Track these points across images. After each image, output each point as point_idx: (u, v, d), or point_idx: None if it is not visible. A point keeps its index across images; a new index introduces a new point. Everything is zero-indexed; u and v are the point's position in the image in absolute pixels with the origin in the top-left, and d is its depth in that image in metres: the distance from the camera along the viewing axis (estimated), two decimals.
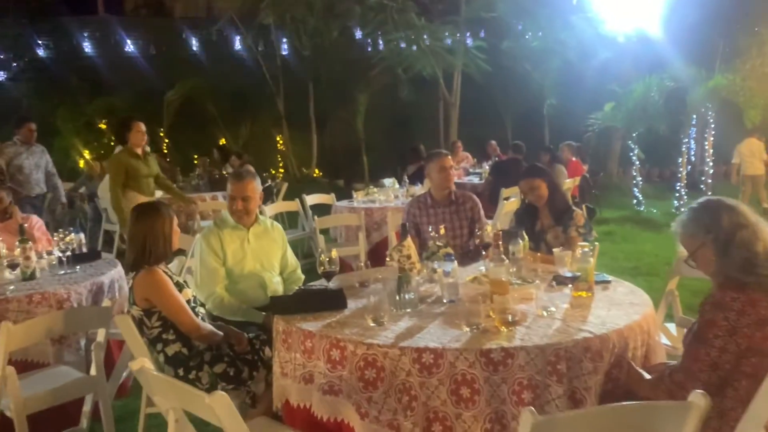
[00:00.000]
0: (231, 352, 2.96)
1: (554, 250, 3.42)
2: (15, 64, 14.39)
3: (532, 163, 5.25)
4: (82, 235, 4.59)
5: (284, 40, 15.42)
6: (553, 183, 4.05)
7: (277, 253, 3.71)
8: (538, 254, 3.59)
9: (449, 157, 4.24)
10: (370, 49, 14.39)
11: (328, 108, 15.04)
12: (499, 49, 13.08)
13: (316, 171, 15.54)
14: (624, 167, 13.61)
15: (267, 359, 2.97)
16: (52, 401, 2.98)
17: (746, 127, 10.98)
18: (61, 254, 4.08)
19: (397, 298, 2.75)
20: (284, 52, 15.44)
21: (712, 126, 11.62)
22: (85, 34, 14.85)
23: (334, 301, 2.84)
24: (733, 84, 10.80)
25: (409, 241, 3.10)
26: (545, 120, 14.75)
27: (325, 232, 6.84)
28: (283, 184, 10.20)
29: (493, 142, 11.44)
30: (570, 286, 2.93)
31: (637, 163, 11.58)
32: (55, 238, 4.35)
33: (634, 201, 11.45)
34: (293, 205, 7.53)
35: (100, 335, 3.17)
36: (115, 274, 4.01)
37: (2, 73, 14.74)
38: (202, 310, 3.06)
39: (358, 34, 14.25)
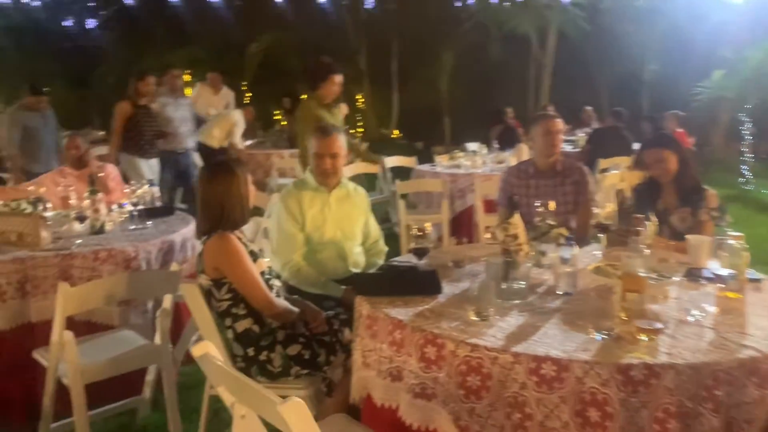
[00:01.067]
0: (307, 332, 2.61)
1: (687, 237, 2.87)
2: (104, 12, 14.50)
3: (660, 132, 4.60)
4: (155, 188, 4.36)
5: None
6: (685, 156, 3.46)
7: (359, 220, 3.33)
8: (672, 242, 3.05)
9: (558, 120, 3.67)
10: (459, 4, 13.62)
11: (410, 66, 14.45)
12: (598, 8, 12.09)
13: (395, 131, 15.07)
14: (730, 142, 12.48)
15: (346, 343, 2.61)
16: (112, 371, 2.73)
17: None
18: (132, 208, 3.85)
19: (504, 286, 2.31)
20: (368, 6, 14.89)
21: None
22: None
23: (426, 284, 2.43)
24: None
25: (517, 218, 2.64)
26: (644, 87, 13.66)
27: (404, 197, 6.44)
28: (363, 144, 9.82)
29: (589, 108, 10.63)
30: (713, 284, 2.41)
31: (750, 137, 10.51)
32: (126, 190, 4.13)
33: (742, 179, 10.44)
34: (373, 167, 7.13)
35: (167, 301, 2.90)
36: (187, 232, 3.74)
37: (92, 20, 14.90)
38: (277, 282, 2.72)
39: None
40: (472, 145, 8.16)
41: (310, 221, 3.15)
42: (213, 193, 2.57)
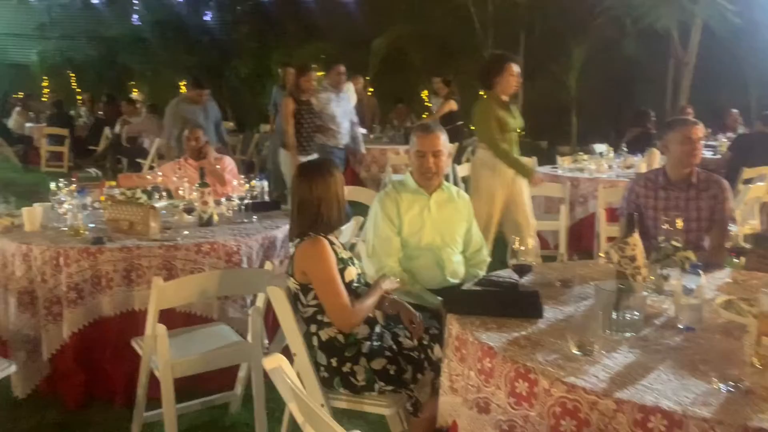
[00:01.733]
0: (394, 346, 2.46)
1: None
2: (239, 8, 15.14)
3: None
4: (265, 182, 4.40)
5: None
6: None
7: (461, 226, 3.13)
8: None
9: (699, 126, 3.25)
10: None
11: (538, 61, 13.88)
12: (751, 1, 10.94)
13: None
14: None
15: (436, 360, 2.44)
16: (201, 367, 2.74)
17: None
18: (239, 201, 3.89)
19: (614, 316, 2.04)
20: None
21: None
22: None
23: (525, 305, 2.20)
24: None
25: (636, 238, 2.33)
26: None
27: None
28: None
29: (735, 111, 9.67)
30: None
31: None
32: (235, 183, 4.19)
33: None
34: None
35: (259, 300, 2.87)
36: None
37: (229, 15, 15.61)
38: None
39: None
40: (599, 147, 7.66)
41: (408, 225, 3.00)
42: (310, 193, 2.48)
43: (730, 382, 1.66)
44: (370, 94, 13.01)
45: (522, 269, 2.44)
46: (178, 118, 6.24)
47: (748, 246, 2.73)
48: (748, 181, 6.18)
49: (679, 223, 2.77)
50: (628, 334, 2.00)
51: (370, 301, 2.44)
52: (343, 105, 6.51)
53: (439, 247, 3.03)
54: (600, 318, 2.02)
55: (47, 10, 16.42)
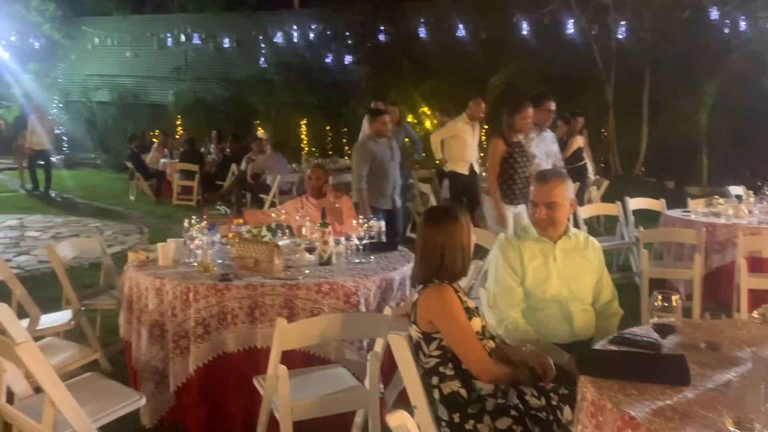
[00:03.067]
0: (521, 405, 2.32)
1: None
2: (358, 50, 15.63)
3: None
4: (382, 223, 4.40)
5: (622, 22, 13.98)
6: None
7: (590, 276, 2.95)
8: None
9: None
10: (727, 31, 12.15)
11: (665, 97, 13.23)
12: None
13: (642, 168, 13.90)
14: None
15: (566, 423, 2.27)
16: (320, 411, 2.72)
17: None
18: (357, 242, 3.90)
19: None
20: (620, 35, 14.02)
21: None
22: (421, 20, 15.40)
23: (671, 370, 2.01)
24: None
25: None
26: None
27: (648, 245, 5.77)
28: (604, 182, 9.15)
29: None
30: None
31: None
32: (353, 225, 4.22)
33: None
34: (613, 209, 6.53)
35: (378, 345, 2.82)
36: (407, 271, 3.67)
37: (349, 57, 16.15)
38: (491, 344, 2.48)
39: (714, 13, 12.12)
40: (735, 189, 7.12)
41: (532, 275, 2.86)
42: (434, 239, 2.43)
43: None
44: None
45: (664, 329, 2.23)
46: (366, 156, 5.93)
47: None
48: None
49: None
50: None
51: (505, 368, 2.34)
52: (544, 145, 5.78)
53: (567, 299, 2.87)
54: (760, 391, 1.79)
55: (183, 54, 17.76)
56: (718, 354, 2.24)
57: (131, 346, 3.53)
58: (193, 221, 3.88)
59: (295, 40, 16.48)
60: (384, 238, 4.37)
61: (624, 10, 13.32)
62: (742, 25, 11.37)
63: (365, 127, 8.85)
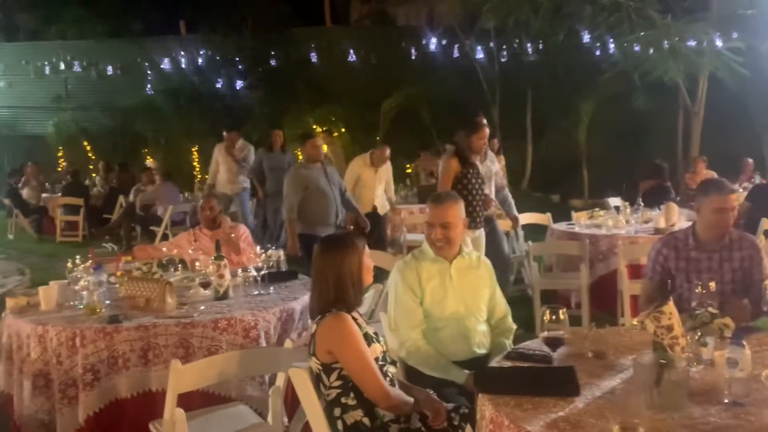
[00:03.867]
0: (423, 428, 2.35)
1: None
2: (250, 75, 15.47)
3: None
4: (281, 252, 4.35)
5: (504, 47, 14.74)
6: None
7: (484, 293, 3.05)
8: None
9: (734, 195, 3.12)
10: (599, 53, 13.06)
11: (546, 117, 14.04)
12: (758, 51, 11.06)
13: (528, 184, 14.63)
14: None
15: None
16: None
17: None
18: (255, 273, 3.83)
19: (656, 393, 1.93)
20: (503, 59, 14.75)
21: None
22: (312, 45, 15.49)
23: (561, 383, 2.10)
24: None
25: (671, 306, 2.25)
26: None
27: (538, 258, 6.04)
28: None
29: (750, 161, 9.62)
30: None
31: None
32: (251, 255, 4.15)
33: None
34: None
35: (279, 380, 2.77)
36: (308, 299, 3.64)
37: (240, 82, 15.95)
38: (392, 369, 2.49)
39: (586, 37, 13.00)
40: (613, 201, 7.59)
41: (430, 294, 2.92)
42: (324, 269, 2.43)
43: None
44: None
45: (554, 342, 2.34)
46: (298, 184, 5.59)
47: None
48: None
49: (712, 286, 2.68)
50: (674, 415, 1.89)
51: (404, 397, 2.36)
52: (485, 167, 5.34)
53: (464, 317, 2.94)
54: (641, 396, 1.92)
55: (63, 82, 16.85)
56: (604, 362, 2.37)
57: (12, 400, 3.28)
58: (77, 261, 3.67)
59: (183, 65, 16.07)
60: (284, 267, 4.32)
61: (506, 35, 14.02)
62: (611, 47, 12.22)
63: (216, 155, 8.51)
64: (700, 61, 10.40)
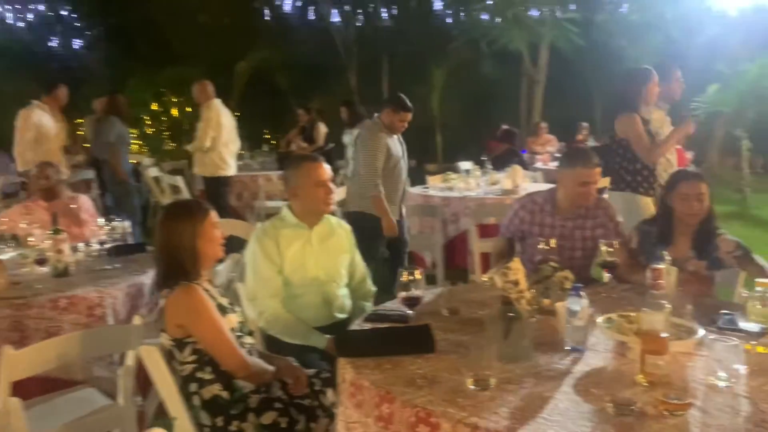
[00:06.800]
0: (284, 396, 2.32)
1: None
2: (89, 33, 14.28)
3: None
4: (127, 224, 4.07)
5: (359, 11, 14.71)
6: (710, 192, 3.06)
7: (344, 258, 3.05)
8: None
9: (597, 169, 3.09)
10: (450, 21, 13.45)
11: (401, 83, 14.30)
12: (592, 23, 11.94)
13: None
14: (725, 157, 12.29)
15: (329, 406, 2.33)
16: None
17: None
18: (99, 246, 3.56)
19: (505, 345, 2.03)
20: (358, 24, 14.75)
21: None
22: (158, 1, 14.56)
23: (418, 341, 2.15)
24: None
25: (517, 262, 2.36)
26: None
27: None
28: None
29: (585, 125, 10.38)
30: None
31: (747, 152, 10.32)
32: (93, 227, 3.85)
33: (739, 195, 10.22)
34: None
35: (129, 359, 2.59)
36: None
37: (79, 41, 14.68)
38: (249, 340, 2.43)
39: (438, 4, 13.34)
40: (464, 165, 7.88)
41: (290, 262, 2.87)
42: (158, 239, 2.31)
43: (623, 407, 1.68)
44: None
45: (412, 301, 2.39)
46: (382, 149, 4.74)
47: (615, 260, 2.86)
48: (601, 191, 6.63)
49: (553, 242, 2.85)
50: (522, 362, 2.00)
51: (263, 365, 2.31)
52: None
53: (324, 282, 2.93)
54: (491, 349, 2.01)
55: None
56: (458, 317, 2.47)
57: None
58: None
59: (10, 21, 14.50)
60: (132, 240, 4.06)
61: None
62: (461, 15, 12.63)
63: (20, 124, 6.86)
64: (541, 31, 11.03)
